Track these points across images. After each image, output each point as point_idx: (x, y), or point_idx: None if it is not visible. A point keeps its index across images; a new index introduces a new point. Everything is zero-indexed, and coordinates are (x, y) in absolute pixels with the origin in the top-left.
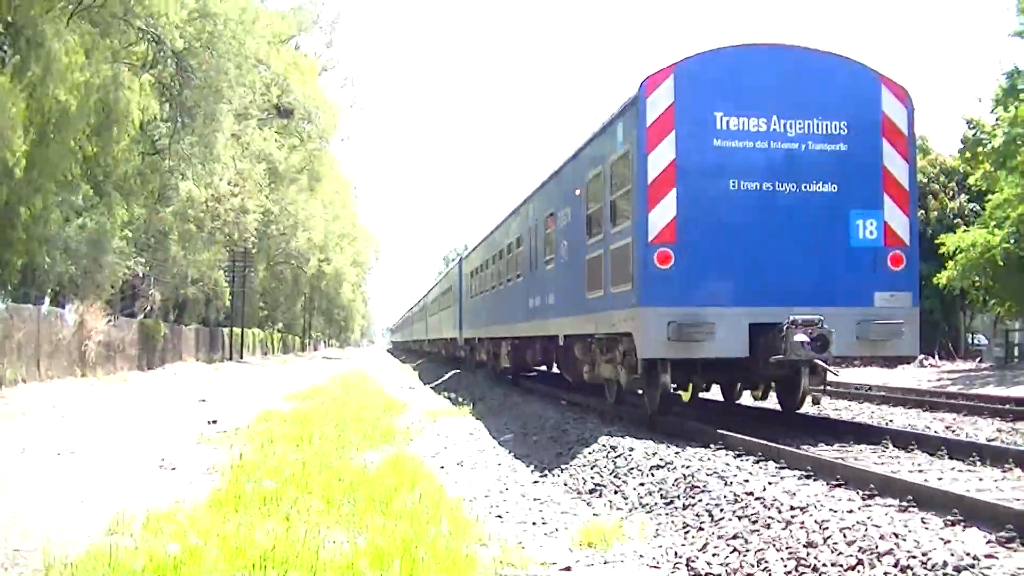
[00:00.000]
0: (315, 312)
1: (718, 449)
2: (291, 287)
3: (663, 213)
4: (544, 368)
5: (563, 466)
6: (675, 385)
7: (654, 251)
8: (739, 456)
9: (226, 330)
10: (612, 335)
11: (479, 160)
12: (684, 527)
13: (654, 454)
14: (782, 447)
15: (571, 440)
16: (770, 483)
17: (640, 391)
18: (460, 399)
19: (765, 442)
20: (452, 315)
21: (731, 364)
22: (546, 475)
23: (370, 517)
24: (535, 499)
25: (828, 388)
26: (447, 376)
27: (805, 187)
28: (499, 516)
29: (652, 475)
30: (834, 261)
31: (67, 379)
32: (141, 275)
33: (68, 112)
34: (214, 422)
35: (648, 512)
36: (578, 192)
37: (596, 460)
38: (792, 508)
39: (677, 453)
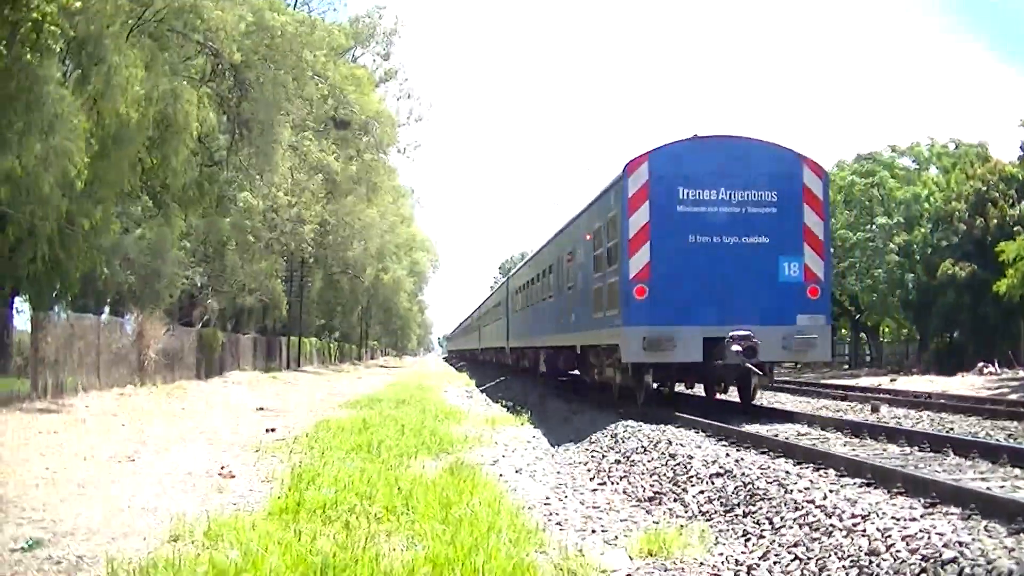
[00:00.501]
0: (372, 321)
1: (777, 457)
2: (348, 296)
3: (640, 259)
4: (573, 372)
5: (622, 473)
6: (657, 384)
7: (633, 286)
8: (799, 464)
9: (283, 339)
10: (609, 346)
11: (536, 165)
12: (745, 535)
13: (714, 462)
14: (841, 455)
15: (629, 448)
16: (831, 491)
17: (631, 388)
18: (517, 407)
19: (826, 451)
20: (501, 327)
21: (692, 367)
22: (605, 483)
23: (429, 525)
24: (594, 506)
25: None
26: (500, 381)
27: (744, 239)
28: (559, 523)
29: (712, 483)
30: (766, 292)
31: (126, 387)
32: (199, 285)
33: (128, 125)
34: (272, 430)
35: (708, 520)
36: (588, 237)
37: (656, 468)
38: (854, 516)
39: (737, 461)
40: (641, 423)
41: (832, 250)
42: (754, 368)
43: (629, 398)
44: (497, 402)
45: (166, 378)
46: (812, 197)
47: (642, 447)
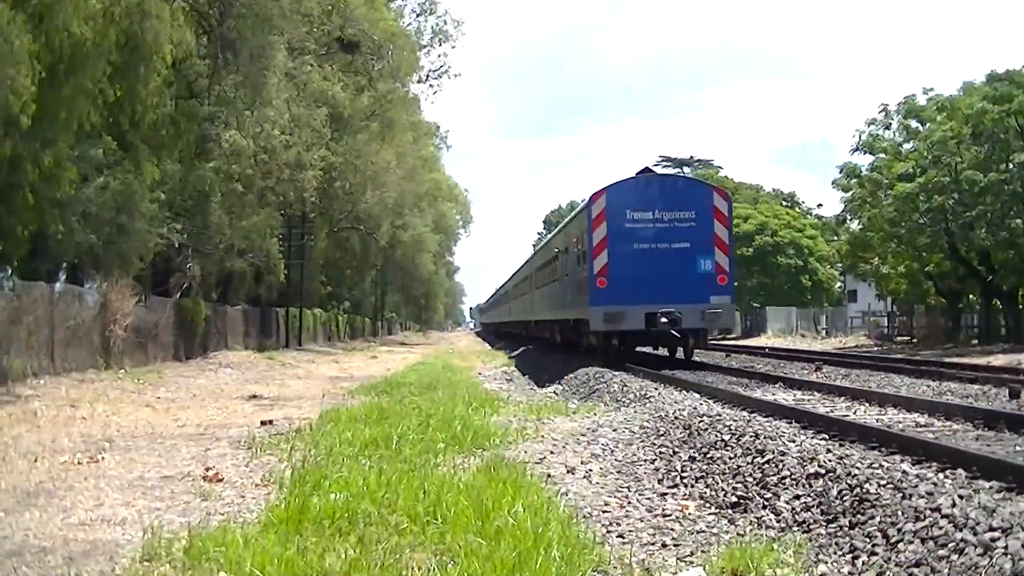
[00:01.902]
0: (389, 289)
1: (891, 454)
2: (359, 258)
3: (601, 260)
4: (578, 342)
5: (699, 473)
6: (620, 346)
7: (597, 279)
8: (919, 463)
9: (281, 311)
10: (585, 319)
11: (584, 100)
12: (852, 551)
13: (812, 459)
14: (974, 451)
15: (707, 442)
16: (962, 496)
17: (603, 348)
18: (568, 390)
19: (953, 447)
20: (527, 301)
21: (639, 333)
22: (678, 485)
23: (463, 537)
24: (664, 514)
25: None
26: (533, 354)
27: (672, 245)
28: (621, 536)
29: (809, 485)
30: (689, 281)
31: (88, 372)
32: (177, 245)
33: (84, 47)
34: (268, 423)
35: (806, 531)
36: (575, 239)
37: (739, 466)
38: (992, 529)
39: (842, 459)
40: (720, 408)
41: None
42: (675, 333)
43: (614, 359)
44: (544, 385)
45: (137, 360)
46: (720, 214)
47: (722, 440)
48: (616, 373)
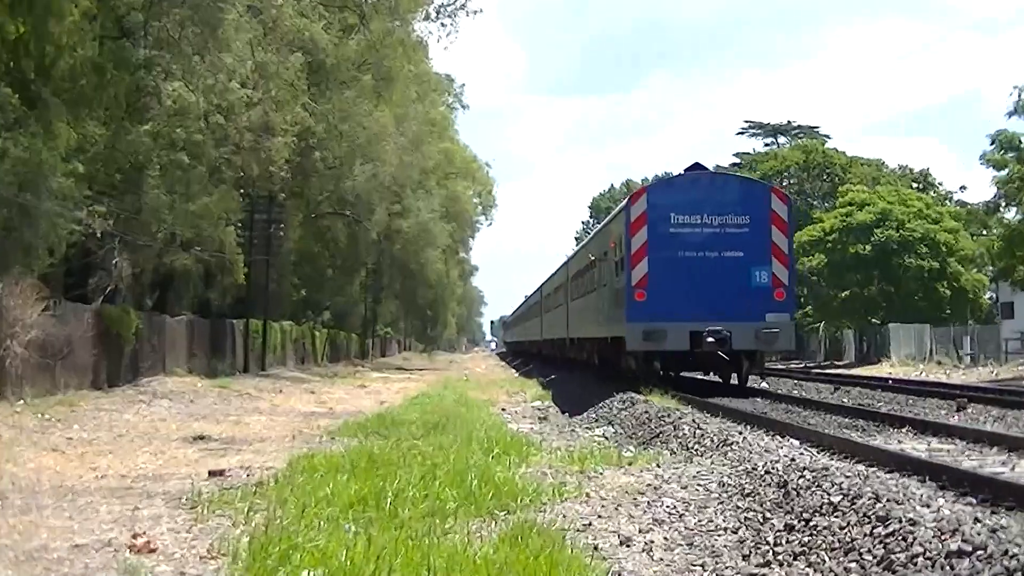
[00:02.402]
0: (383, 295)
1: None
2: (345, 254)
3: (640, 270)
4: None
5: (798, 548)
6: (662, 370)
7: (635, 291)
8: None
9: (239, 324)
10: (621, 337)
11: (646, 47)
12: None
13: (954, 531)
14: None
15: (809, 506)
16: None
17: (642, 372)
18: (622, 432)
19: None
20: (561, 315)
21: (683, 355)
22: (770, 563)
23: None
24: None
25: None
26: (577, 386)
27: (723, 253)
28: None
29: (951, 567)
30: (741, 295)
31: None
32: (99, 234)
33: None
34: (219, 473)
35: None
36: (612, 244)
37: (854, 540)
38: None
39: (993, 533)
40: (827, 459)
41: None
42: (723, 355)
43: (654, 386)
44: (590, 426)
45: (42, 388)
46: (779, 219)
47: (830, 503)
48: (686, 411)
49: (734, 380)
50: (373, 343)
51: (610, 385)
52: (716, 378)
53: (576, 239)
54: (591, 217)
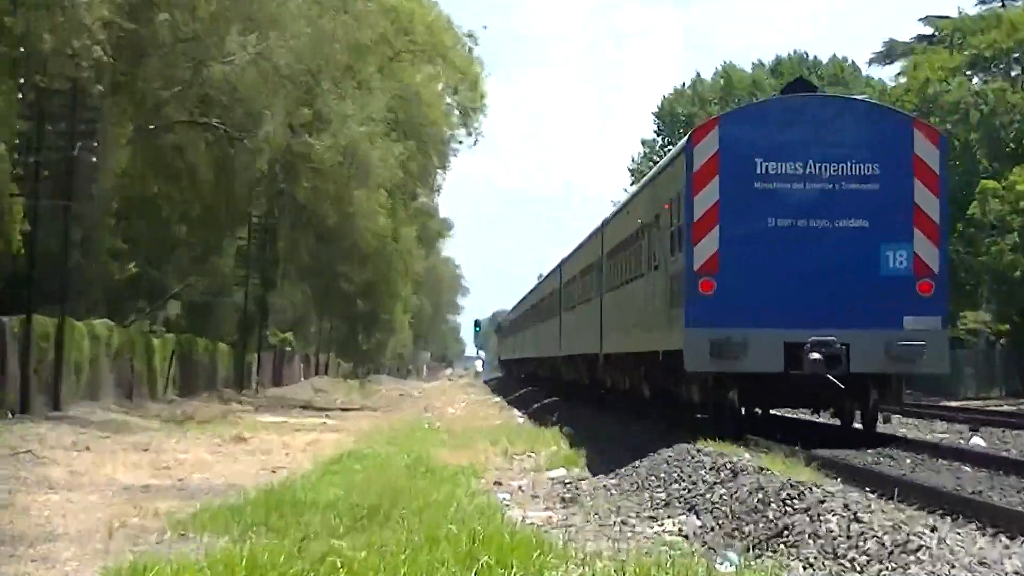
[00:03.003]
0: (281, 273)
1: None
2: (211, 199)
3: (707, 247)
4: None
5: None
6: (741, 405)
7: (699, 279)
8: None
9: (13, 323)
10: (677, 350)
11: None
12: None
13: None
14: None
15: None
16: None
17: (707, 406)
18: (716, 526)
19: None
20: (594, 314)
21: (774, 380)
22: None
23: None
24: None
25: None
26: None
27: (838, 223)
28: None
29: None
30: (865, 289)
31: None
32: None
33: None
34: None
35: None
36: (666, 205)
37: None
38: None
39: None
40: None
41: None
42: (835, 380)
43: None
44: (655, 513)
45: None
46: (925, 169)
47: None
48: (836, 488)
49: (857, 422)
50: (261, 362)
51: (683, 433)
52: (826, 417)
53: (625, 191)
54: (657, 136)
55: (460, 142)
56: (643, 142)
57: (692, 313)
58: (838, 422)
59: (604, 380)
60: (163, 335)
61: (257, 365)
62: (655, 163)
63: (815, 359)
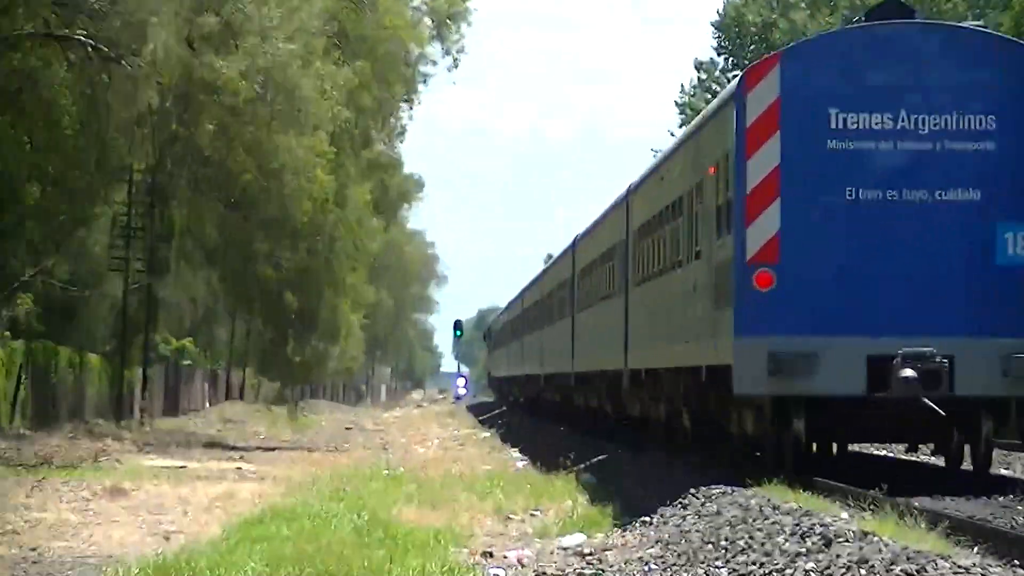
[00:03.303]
0: (175, 249)
1: None
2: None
3: (765, 227)
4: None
5: None
6: (812, 439)
7: (753, 271)
8: None
9: None
10: (725, 366)
11: None
12: None
13: None
14: None
15: None
16: None
17: (765, 443)
18: None
19: None
20: (617, 315)
21: (854, 405)
22: None
23: None
24: None
25: None
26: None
27: (940, 195)
28: None
29: None
30: (976, 282)
31: None
32: None
33: None
34: None
35: None
36: (712, 169)
37: None
38: None
39: None
40: None
41: None
42: (932, 405)
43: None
44: None
45: None
46: None
47: None
48: (971, 560)
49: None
50: (148, 381)
51: (736, 478)
52: (926, 456)
53: (672, 135)
54: (719, 55)
55: (434, 63)
56: (698, 65)
57: (744, 317)
58: (941, 461)
59: (631, 406)
60: (8, 343)
61: (143, 386)
62: (715, 95)
63: (907, 377)
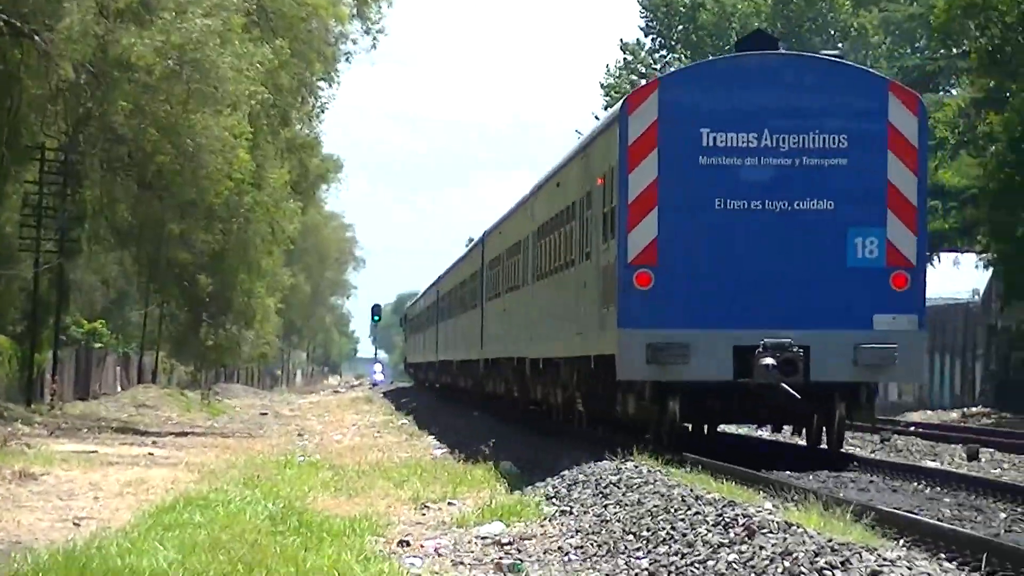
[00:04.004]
0: (87, 230)
1: None
2: None
3: (644, 233)
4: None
5: None
6: (684, 421)
7: (633, 272)
8: None
9: None
10: (610, 355)
11: None
12: None
13: None
14: None
15: None
16: None
17: (645, 421)
18: None
19: None
20: (521, 306)
21: (722, 390)
22: None
23: None
24: None
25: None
26: None
27: (799, 205)
28: None
29: None
30: (830, 281)
31: None
32: None
33: None
34: None
35: None
36: (600, 180)
37: None
38: None
39: None
40: None
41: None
42: (789, 389)
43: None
44: None
45: None
46: (902, 142)
47: None
48: (896, 554)
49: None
50: (59, 364)
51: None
52: (789, 436)
53: (597, 118)
54: (646, 35)
55: (354, 42)
56: (623, 46)
57: (626, 311)
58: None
59: (533, 392)
60: None
61: (53, 369)
62: (642, 75)
63: (768, 365)
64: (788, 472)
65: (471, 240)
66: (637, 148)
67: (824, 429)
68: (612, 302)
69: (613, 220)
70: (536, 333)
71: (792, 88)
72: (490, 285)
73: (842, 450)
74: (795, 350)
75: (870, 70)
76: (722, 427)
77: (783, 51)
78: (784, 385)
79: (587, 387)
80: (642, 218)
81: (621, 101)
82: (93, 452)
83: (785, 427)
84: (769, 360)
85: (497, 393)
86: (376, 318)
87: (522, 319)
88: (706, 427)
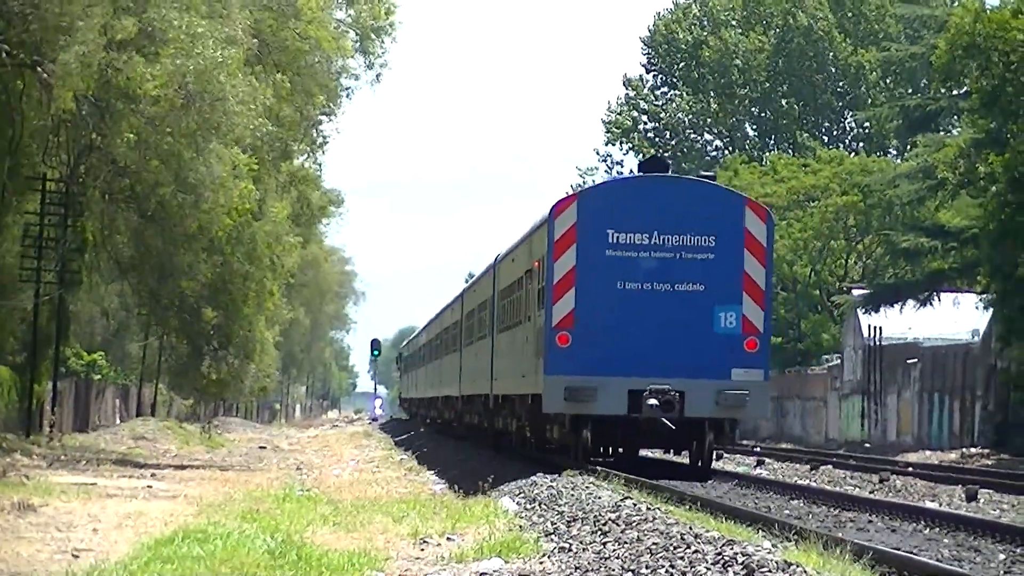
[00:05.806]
0: (89, 262)
1: None
2: None
3: (564, 305)
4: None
5: None
6: (594, 445)
7: (556, 333)
8: None
9: None
10: (539, 394)
11: None
12: None
13: None
14: None
15: None
16: None
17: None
18: None
19: None
20: (485, 352)
21: (619, 421)
22: None
23: None
24: None
25: None
26: None
27: (677, 287)
28: None
29: None
30: (700, 342)
31: None
32: None
33: None
34: None
35: None
36: (537, 263)
37: None
38: None
39: None
40: None
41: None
42: (667, 422)
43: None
44: None
45: None
46: (754, 242)
47: None
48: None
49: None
50: (58, 395)
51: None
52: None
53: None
54: (648, 72)
55: (356, 77)
56: (627, 82)
57: (550, 362)
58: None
59: (497, 423)
60: None
61: (52, 400)
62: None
63: (652, 404)
64: (667, 480)
65: (471, 275)
66: (561, 243)
67: (699, 451)
68: (542, 355)
69: (543, 294)
70: (498, 374)
71: (674, 201)
72: (467, 333)
73: (712, 467)
74: (673, 394)
75: (731, 189)
76: (643, 452)
77: (670, 174)
78: (664, 419)
79: (530, 418)
80: (564, 294)
81: (550, 208)
82: (92, 484)
83: (672, 450)
84: (654, 400)
85: (472, 424)
86: (376, 353)
87: (488, 363)
88: (610, 449)
